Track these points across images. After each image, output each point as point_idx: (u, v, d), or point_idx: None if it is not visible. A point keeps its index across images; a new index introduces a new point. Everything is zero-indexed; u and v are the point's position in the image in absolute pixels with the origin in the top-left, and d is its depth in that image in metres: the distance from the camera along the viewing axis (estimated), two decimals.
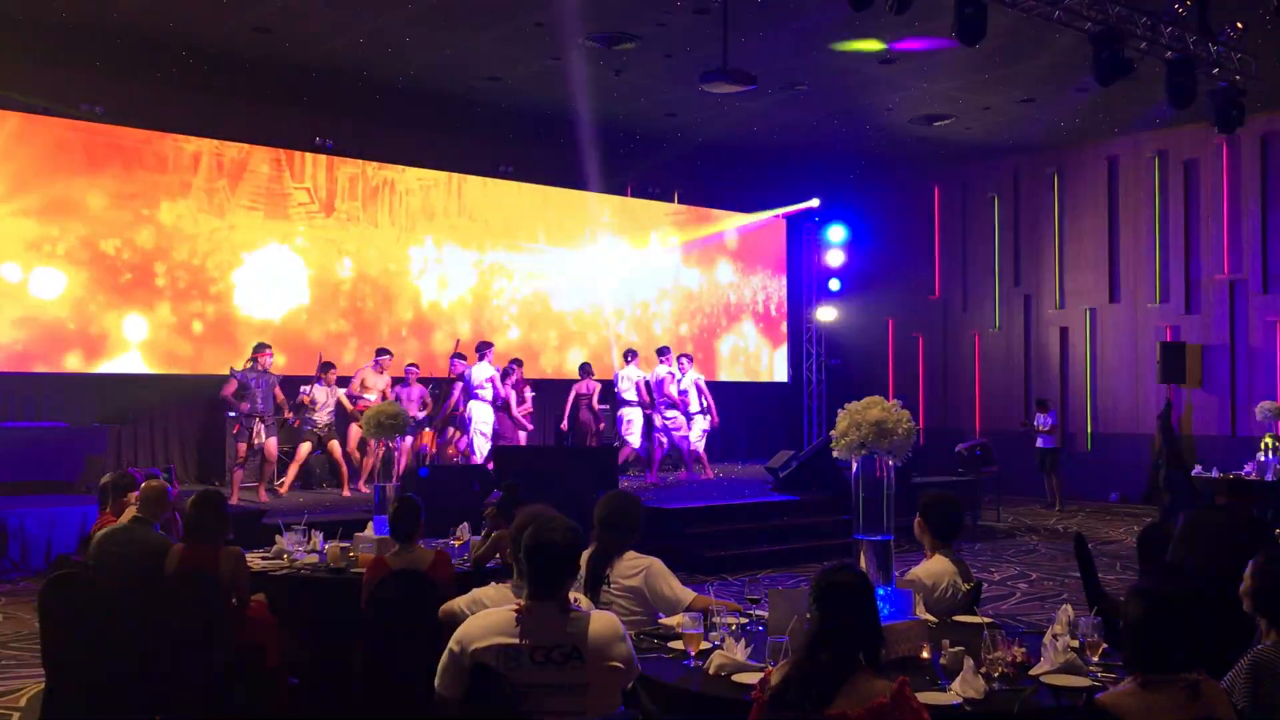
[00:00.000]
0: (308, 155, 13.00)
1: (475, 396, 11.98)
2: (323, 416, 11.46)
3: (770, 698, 2.84)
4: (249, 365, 10.92)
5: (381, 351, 12.06)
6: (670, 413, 12.81)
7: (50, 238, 11.34)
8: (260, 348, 11.03)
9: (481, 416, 11.98)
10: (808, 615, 2.96)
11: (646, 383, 13.05)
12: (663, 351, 13.25)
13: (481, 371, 12.03)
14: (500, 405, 12.15)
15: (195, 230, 12.24)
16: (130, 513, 5.29)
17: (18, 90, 11.18)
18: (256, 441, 10.73)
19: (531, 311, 14.90)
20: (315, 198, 13.07)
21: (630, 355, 13.23)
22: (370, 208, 13.50)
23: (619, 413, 13.03)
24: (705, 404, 13.03)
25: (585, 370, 13.47)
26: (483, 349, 12.29)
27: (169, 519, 5.59)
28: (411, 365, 12.19)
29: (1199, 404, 14.69)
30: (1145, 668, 2.81)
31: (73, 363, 11.49)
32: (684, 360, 13.13)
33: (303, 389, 11.51)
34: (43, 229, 11.31)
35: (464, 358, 12.50)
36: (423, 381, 12.19)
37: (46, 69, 11.35)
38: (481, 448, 11.85)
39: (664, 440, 13.02)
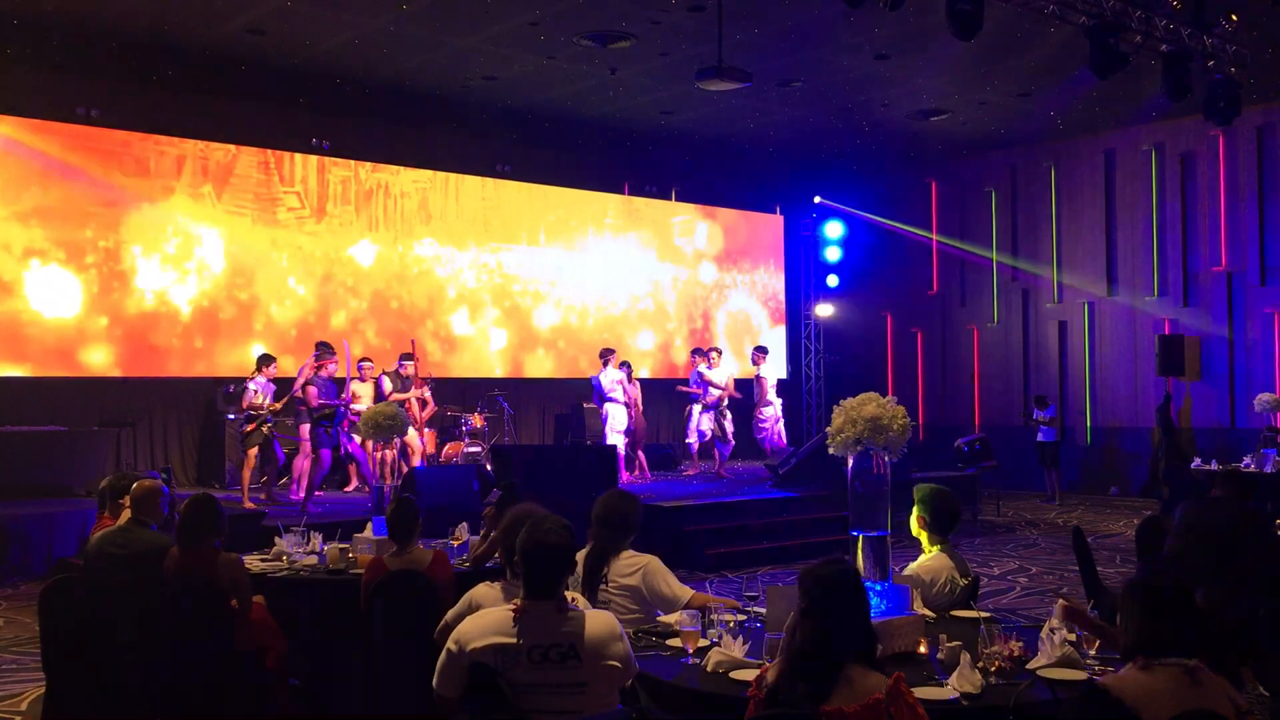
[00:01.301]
0: (297, 157, 12.97)
1: (609, 399, 12.42)
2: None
3: (767, 695, 2.84)
4: (316, 371, 10.64)
5: (322, 345, 11.29)
6: (766, 409, 13.13)
7: (48, 242, 11.34)
8: (327, 352, 10.78)
9: (616, 417, 12.37)
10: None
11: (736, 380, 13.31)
12: (761, 350, 13.62)
13: (610, 375, 12.47)
14: (629, 404, 12.59)
15: (192, 232, 12.22)
16: (126, 515, 5.26)
17: (11, 94, 11.18)
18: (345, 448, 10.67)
19: (531, 310, 14.89)
20: (306, 202, 13.06)
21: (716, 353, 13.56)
22: (364, 211, 13.47)
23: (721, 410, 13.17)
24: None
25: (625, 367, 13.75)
26: (606, 354, 12.71)
27: (168, 520, 5.55)
28: (365, 360, 11.81)
29: (1197, 396, 14.69)
30: (1146, 650, 2.80)
31: (71, 367, 11.48)
32: (714, 354, 13.43)
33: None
34: (39, 233, 11.30)
35: (370, 361, 11.90)
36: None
37: (40, 73, 11.34)
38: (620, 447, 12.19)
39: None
